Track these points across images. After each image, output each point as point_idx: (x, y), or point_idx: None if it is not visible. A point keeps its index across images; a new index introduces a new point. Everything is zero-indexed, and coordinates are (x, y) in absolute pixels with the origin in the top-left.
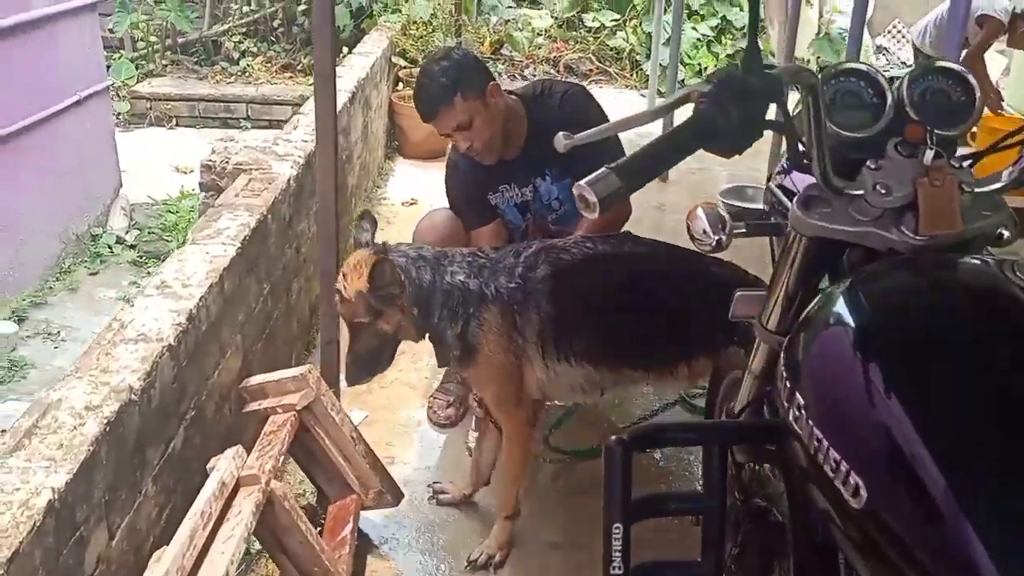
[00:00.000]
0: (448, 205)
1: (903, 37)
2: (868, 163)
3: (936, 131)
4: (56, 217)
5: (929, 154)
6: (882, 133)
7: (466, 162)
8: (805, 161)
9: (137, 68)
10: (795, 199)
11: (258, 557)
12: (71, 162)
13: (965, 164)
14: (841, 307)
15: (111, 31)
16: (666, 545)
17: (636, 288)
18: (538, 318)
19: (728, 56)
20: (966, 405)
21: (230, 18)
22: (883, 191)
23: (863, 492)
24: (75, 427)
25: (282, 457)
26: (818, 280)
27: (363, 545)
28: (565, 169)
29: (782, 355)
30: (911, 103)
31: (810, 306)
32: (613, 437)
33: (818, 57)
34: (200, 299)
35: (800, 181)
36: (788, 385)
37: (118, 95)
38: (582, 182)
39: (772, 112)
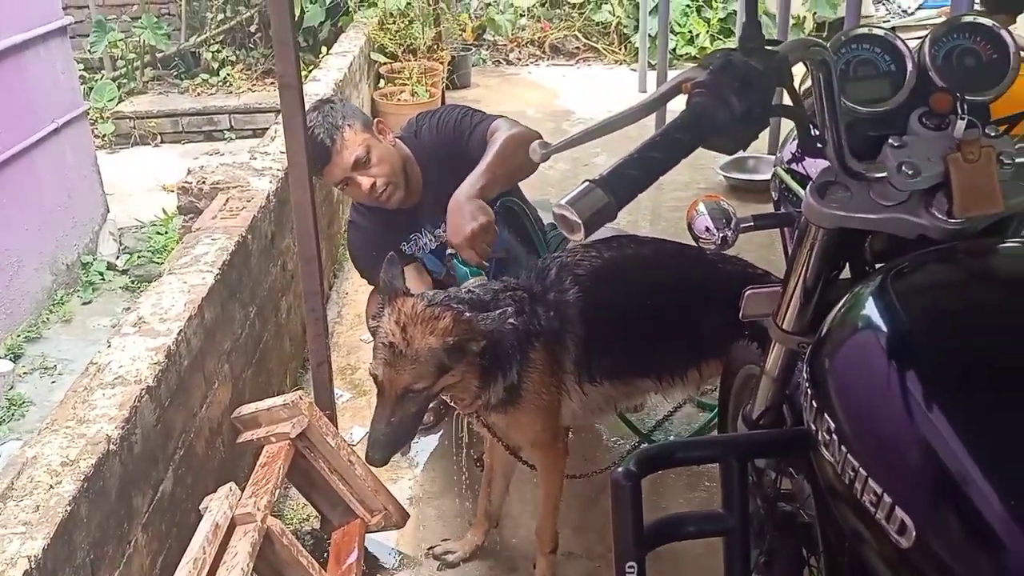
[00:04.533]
0: (360, 270)
1: None
2: (890, 140)
3: (966, 97)
4: (44, 248)
5: (960, 125)
6: (904, 105)
7: (369, 217)
8: (818, 145)
9: (119, 87)
10: (809, 186)
11: None
12: (55, 191)
13: (1002, 131)
14: (872, 311)
15: (90, 52)
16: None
17: (645, 296)
18: (573, 345)
19: (720, 20)
20: None
21: (207, 28)
22: (909, 171)
23: (911, 530)
24: (51, 486)
25: (278, 491)
26: (838, 272)
27: (372, 569)
28: None
29: (805, 367)
30: (935, 68)
31: (835, 310)
32: (620, 469)
33: (814, 13)
34: (179, 333)
35: (813, 166)
36: (814, 404)
37: (101, 117)
38: (562, 201)
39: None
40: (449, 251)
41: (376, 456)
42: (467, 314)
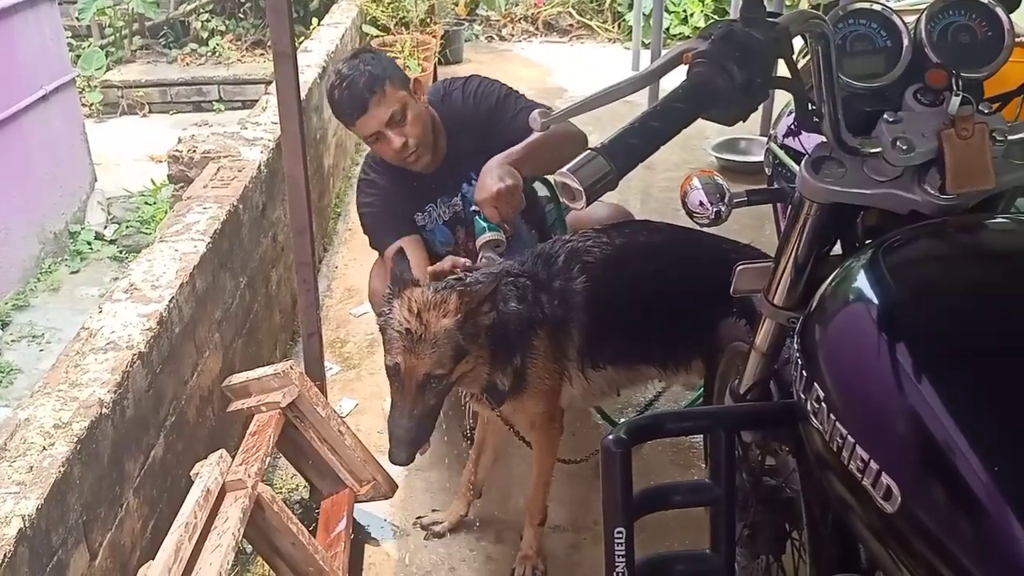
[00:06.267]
0: (365, 227)
1: None
2: (885, 116)
3: (961, 74)
4: (32, 217)
5: (955, 101)
6: (899, 81)
7: (388, 177)
8: (815, 120)
9: (107, 56)
10: (803, 161)
11: (253, 557)
12: (43, 159)
13: (995, 108)
14: (863, 283)
15: (78, 19)
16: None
17: (656, 284)
18: (577, 332)
19: (715, 0)
20: (1012, 390)
21: None
22: (904, 147)
23: (896, 495)
24: (44, 447)
25: (268, 458)
26: (829, 248)
27: (360, 538)
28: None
29: (796, 339)
30: (931, 44)
31: (826, 283)
32: (610, 436)
33: None
34: (171, 300)
35: (808, 141)
36: (804, 374)
37: (89, 85)
38: (564, 169)
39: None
40: (472, 207)
41: (401, 454)
42: (467, 282)
